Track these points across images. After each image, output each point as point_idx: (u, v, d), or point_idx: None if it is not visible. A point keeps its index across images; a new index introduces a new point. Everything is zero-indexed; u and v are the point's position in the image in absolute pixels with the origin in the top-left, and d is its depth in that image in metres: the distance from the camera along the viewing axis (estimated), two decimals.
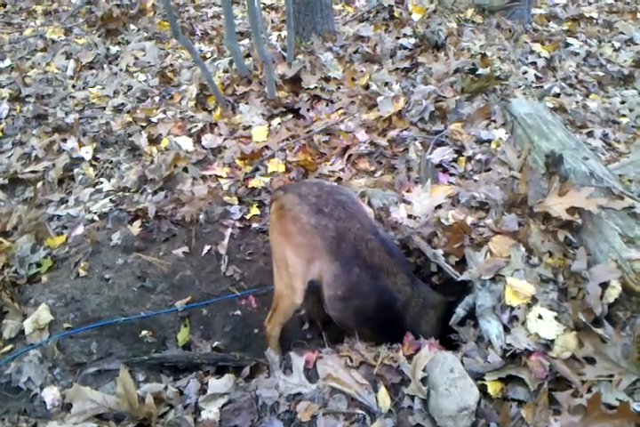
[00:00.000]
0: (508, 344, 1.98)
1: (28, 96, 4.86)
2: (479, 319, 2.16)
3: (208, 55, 5.32)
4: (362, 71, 4.44)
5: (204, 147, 3.88)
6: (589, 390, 1.81)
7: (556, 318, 2.02)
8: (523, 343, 1.96)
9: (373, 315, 2.34)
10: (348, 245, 2.28)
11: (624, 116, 4.40)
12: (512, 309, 2.11)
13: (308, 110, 4.15)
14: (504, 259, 2.30)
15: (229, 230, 3.24)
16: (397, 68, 4.42)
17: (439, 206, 2.84)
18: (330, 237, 2.27)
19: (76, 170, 3.83)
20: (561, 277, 2.17)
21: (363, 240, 2.31)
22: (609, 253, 2.17)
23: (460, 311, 2.24)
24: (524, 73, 4.69)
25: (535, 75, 4.78)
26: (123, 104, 4.67)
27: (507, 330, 2.06)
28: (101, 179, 3.72)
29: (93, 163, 3.93)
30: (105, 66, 5.42)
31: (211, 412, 2.02)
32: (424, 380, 1.95)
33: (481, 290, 2.24)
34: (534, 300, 2.10)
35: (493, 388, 1.92)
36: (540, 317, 2.02)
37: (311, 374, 2.11)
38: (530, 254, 2.32)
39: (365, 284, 2.30)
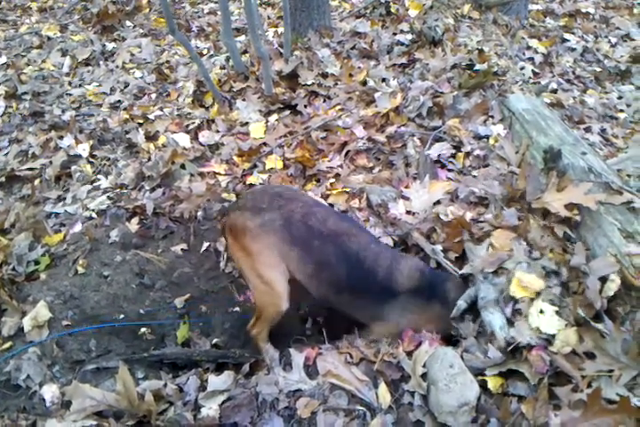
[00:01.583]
0: (512, 337, 1.98)
1: (24, 93, 4.85)
2: (482, 311, 2.16)
3: (205, 52, 5.30)
4: (359, 67, 4.43)
5: (201, 143, 3.88)
6: (589, 385, 1.81)
7: (557, 312, 2.02)
8: (526, 336, 1.96)
9: (347, 279, 2.34)
10: (298, 225, 2.32)
11: (621, 111, 4.41)
12: (515, 302, 2.11)
13: (305, 106, 4.14)
14: (507, 252, 2.30)
15: None
16: (395, 64, 4.41)
17: (438, 202, 2.84)
18: (279, 227, 2.31)
19: (73, 167, 3.82)
20: (565, 271, 2.17)
21: (310, 214, 2.35)
22: (608, 247, 2.17)
23: (462, 304, 2.23)
24: (522, 69, 4.69)
25: (532, 70, 4.78)
26: (119, 101, 4.66)
27: (510, 323, 2.05)
28: (99, 176, 3.71)
29: (90, 160, 3.92)
30: (101, 63, 5.41)
31: (210, 409, 2.02)
32: (424, 376, 1.95)
33: (483, 283, 2.24)
34: (537, 294, 2.09)
35: (493, 383, 1.92)
36: (541, 311, 2.02)
37: (311, 370, 2.11)
38: (531, 249, 2.32)
39: (330, 253, 2.31)
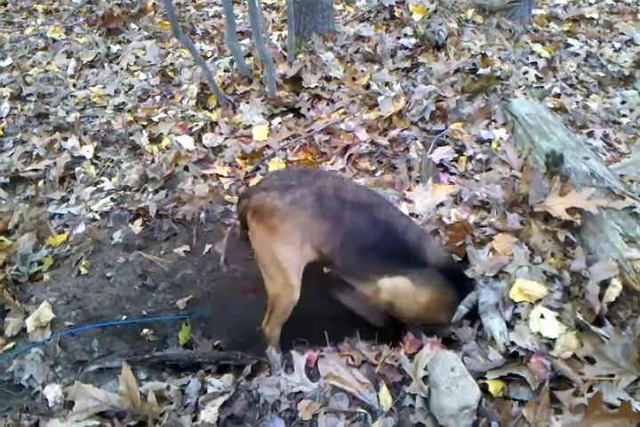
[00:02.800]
0: (512, 342, 1.99)
1: (29, 95, 4.86)
2: (482, 316, 2.17)
3: (209, 54, 5.32)
4: (362, 71, 4.44)
5: (204, 146, 3.89)
6: (590, 390, 1.82)
7: (557, 317, 2.02)
8: (526, 341, 1.97)
9: (376, 248, 2.31)
10: (330, 198, 2.29)
11: (624, 116, 4.41)
12: (516, 306, 2.11)
13: (308, 110, 4.15)
14: (508, 257, 2.31)
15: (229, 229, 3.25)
16: (398, 68, 4.42)
17: (441, 205, 2.85)
18: (311, 203, 2.27)
19: (77, 169, 3.84)
20: (566, 275, 2.17)
21: (341, 188, 2.34)
22: (610, 252, 2.18)
23: (463, 308, 2.24)
24: (525, 73, 4.69)
25: (536, 75, 4.79)
26: (123, 103, 4.67)
27: (510, 328, 2.06)
28: (102, 177, 3.73)
29: (94, 161, 3.93)
30: (106, 65, 5.42)
31: (210, 412, 2.03)
32: (425, 379, 1.96)
33: (484, 287, 2.24)
34: (538, 299, 2.10)
35: (494, 387, 1.92)
36: (542, 316, 2.03)
37: (312, 372, 2.12)
38: (532, 253, 2.32)
39: (361, 221, 2.29)
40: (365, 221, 2.30)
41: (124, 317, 2.81)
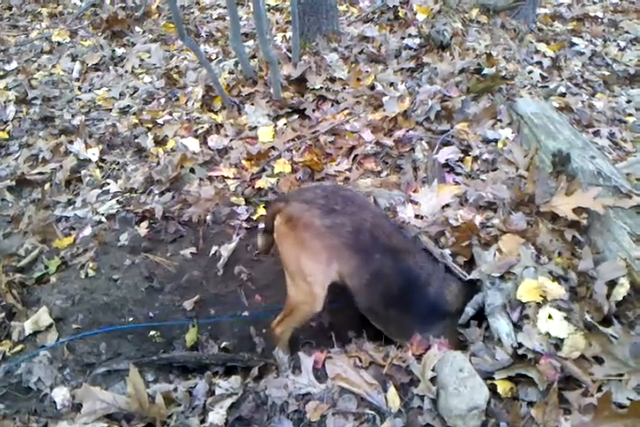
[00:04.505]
0: (519, 343, 1.98)
1: (34, 98, 4.88)
2: (489, 318, 2.16)
3: (213, 56, 5.32)
4: (367, 71, 4.44)
5: (210, 148, 3.89)
6: (600, 390, 1.81)
7: (565, 317, 2.01)
8: (534, 342, 1.96)
9: (399, 294, 2.35)
10: (365, 235, 2.30)
11: (630, 115, 4.40)
12: (523, 307, 2.10)
13: (313, 111, 4.15)
14: (514, 257, 2.30)
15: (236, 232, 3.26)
16: (402, 69, 4.41)
17: (447, 206, 2.84)
18: (347, 233, 2.29)
19: (83, 171, 3.85)
20: (574, 275, 2.17)
21: (379, 227, 2.35)
22: (618, 252, 2.17)
23: (469, 310, 2.24)
24: (530, 72, 4.69)
25: (541, 74, 4.78)
26: (129, 106, 4.69)
27: (517, 328, 2.05)
28: (108, 180, 3.74)
29: (100, 164, 3.95)
30: (110, 68, 5.44)
31: (218, 413, 2.03)
32: (433, 380, 1.96)
33: (490, 289, 2.24)
34: (545, 299, 2.09)
35: (503, 387, 1.92)
36: (550, 316, 2.02)
37: (320, 374, 2.11)
38: (539, 254, 2.31)
39: (388, 266, 2.32)
40: (392, 267, 2.33)
41: (131, 319, 2.82)
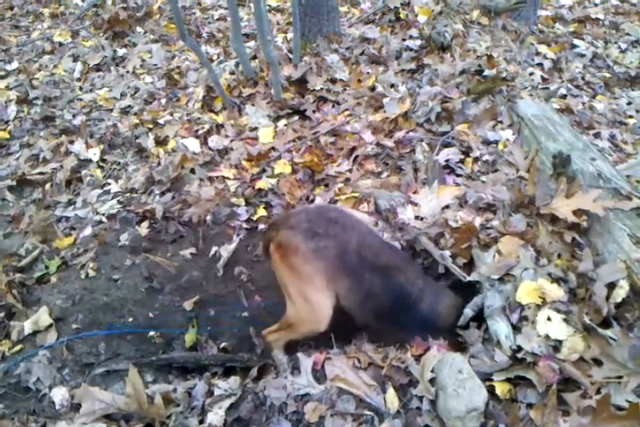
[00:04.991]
0: (518, 345, 1.98)
1: (35, 98, 4.88)
2: (488, 320, 2.16)
3: (214, 57, 5.32)
4: (368, 73, 4.44)
5: (210, 148, 3.89)
6: (598, 392, 1.81)
7: (564, 319, 2.01)
8: (533, 344, 1.96)
9: (391, 311, 2.35)
10: (352, 256, 2.29)
11: (631, 117, 4.39)
12: (522, 309, 2.10)
13: (314, 112, 4.15)
14: (514, 259, 2.30)
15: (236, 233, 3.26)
16: (403, 70, 4.42)
17: (446, 207, 2.84)
18: (332, 256, 2.28)
19: (83, 171, 3.86)
20: (573, 277, 2.17)
21: (365, 246, 2.34)
22: (618, 253, 2.17)
23: (469, 312, 2.24)
24: (531, 74, 4.69)
25: (541, 76, 4.78)
26: (130, 106, 4.69)
27: (516, 330, 2.05)
28: (109, 180, 3.74)
29: (101, 164, 3.95)
30: (112, 68, 5.44)
31: (217, 414, 2.03)
32: (432, 381, 1.95)
33: (489, 290, 2.24)
34: (544, 301, 2.09)
35: (501, 389, 1.91)
36: (549, 318, 2.02)
37: (319, 374, 2.11)
38: (538, 255, 2.31)
39: (378, 285, 2.31)
40: (382, 285, 2.32)
41: (131, 319, 2.82)
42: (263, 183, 3.46)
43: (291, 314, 2.43)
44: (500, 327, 2.08)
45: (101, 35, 6.16)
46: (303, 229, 2.33)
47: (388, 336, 2.40)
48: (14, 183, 3.89)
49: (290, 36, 5.23)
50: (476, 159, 3.24)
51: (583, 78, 5.01)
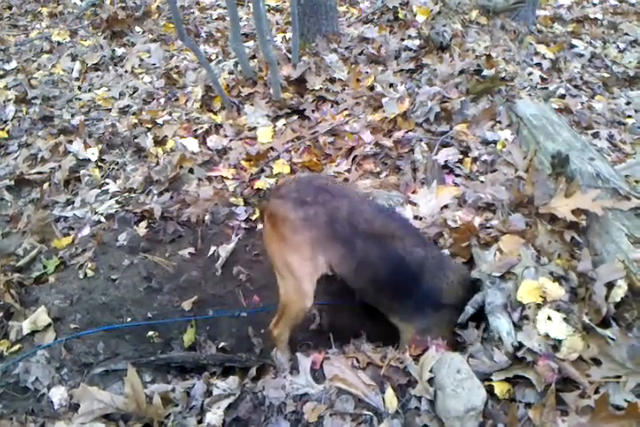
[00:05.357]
0: (519, 342, 1.98)
1: (33, 98, 4.88)
2: (489, 317, 2.15)
3: (213, 57, 5.32)
4: (367, 72, 4.44)
5: (209, 148, 3.89)
6: (597, 391, 1.81)
7: (564, 319, 2.01)
8: (534, 342, 1.96)
9: (389, 279, 2.31)
10: (343, 223, 2.26)
11: (630, 117, 4.40)
12: (523, 308, 2.10)
13: (313, 111, 4.15)
14: (514, 257, 2.30)
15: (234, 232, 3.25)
16: (402, 70, 4.42)
17: (445, 207, 2.84)
18: (323, 223, 2.25)
19: (82, 171, 3.85)
20: (574, 276, 2.17)
21: (357, 213, 2.30)
22: (616, 253, 2.17)
23: (469, 309, 2.23)
24: (529, 74, 4.69)
25: (540, 76, 4.78)
26: (128, 106, 4.68)
27: (517, 328, 2.05)
28: (107, 180, 3.74)
29: (99, 164, 3.95)
30: (110, 68, 5.43)
31: (215, 414, 2.02)
32: (431, 381, 1.95)
33: (490, 288, 2.23)
34: (544, 300, 2.09)
35: (500, 389, 1.91)
36: (549, 318, 2.02)
37: (318, 374, 2.11)
38: (538, 254, 2.31)
39: (373, 253, 2.28)
40: (378, 255, 2.29)
41: (129, 319, 2.82)
42: (262, 183, 3.46)
43: (282, 294, 2.42)
44: (502, 324, 2.08)
45: (100, 34, 6.15)
46: (292, 198, 2.30)
47: (383, 305, 2.41)
48: (12, 183, 3.89)
49: (289, 35, 5.22)
50: (474, 159, 3.24)
51: (582, 78, 5.01)
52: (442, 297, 2.31)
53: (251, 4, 4.32)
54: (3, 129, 4.54)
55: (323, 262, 2.32)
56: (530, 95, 3.80)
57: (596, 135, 3.90)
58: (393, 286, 2.32)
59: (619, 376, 1.82)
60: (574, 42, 5.66)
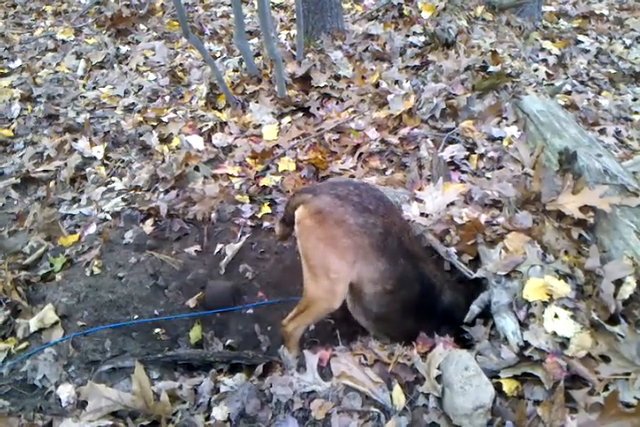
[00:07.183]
0: (525, 341, 1.97)
1: (39, 96, 4.89)
2: (494, 316, 2.15)
3: (218, 54, 5.33)
4: (372, 69, 4.43)
5: (214, 146, 3.88)
6: (606, 389, 1.80)
7: (572, 316, 2.01)
8: (540, 340, 1.95)
9: (418, 302, 2.35)
10: (393, 238, 2.25)
11: (636, 113, 4.39)
12: (529, 306, 2.10)
13: (318, 109, 4.14)
14: (520, 255, 2.29)
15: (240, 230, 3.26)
16: (407, 66, 4.41)
17: (452, 204, 2.83)
18: (377, 234, 2.22)
19: (87, 169, 3.86)
20: (580, 274, 2.16)
21: (405, 231, 2.33)
22: (624, 250, 2.16)
23: (475, 308, 2.23)
24: (535, 70, 4.68)
25: (546, 72, 4.77)
26: (133, 104, 4.69)
27: (523, 327, 2.05)
28: (113, 178, 3.74)
29: (105, 162, 3.95)
30: (115, 66, 5.44)
31: (222, 410, 2.02)
32: (439, 378, 1.95)
33: (496, 287, 2.23)
34: (551, 298, 2.08)
35: (508, 386, 1.91)
36: (556, 315, 2.01)
37: (325, 372, 2.11)
38: (545, 252, 2.30)
39: (410, 273, 2.30)
40: (413, 274, 2.31)
41: (136, 316, 2.82)
42: (267, 180, 3.46)
43: (308, 290, 2.35)
44: (508, 324, 2.07)
45: (104, 32, 6.16)
46: (353, 202, 2.24)
47: (402, 330, 2.39)
48: (18, 181, 3.90)
49: (293, 32, 5.22)
50: (481, 156, 3.23)
51: (588, 74, 5.00)
52: (457, 313, 2.34)
53: (255, 2, 4.31)
54: (8, 127, 4.56)
55: (355, 272, 2.27)
56: (536, 91, 3.79)
57: (602, 131, 3.89)
58: (420, 307, 2.37)
59: (628, 373, 1.81)
60: (580, 38, 5.64)
